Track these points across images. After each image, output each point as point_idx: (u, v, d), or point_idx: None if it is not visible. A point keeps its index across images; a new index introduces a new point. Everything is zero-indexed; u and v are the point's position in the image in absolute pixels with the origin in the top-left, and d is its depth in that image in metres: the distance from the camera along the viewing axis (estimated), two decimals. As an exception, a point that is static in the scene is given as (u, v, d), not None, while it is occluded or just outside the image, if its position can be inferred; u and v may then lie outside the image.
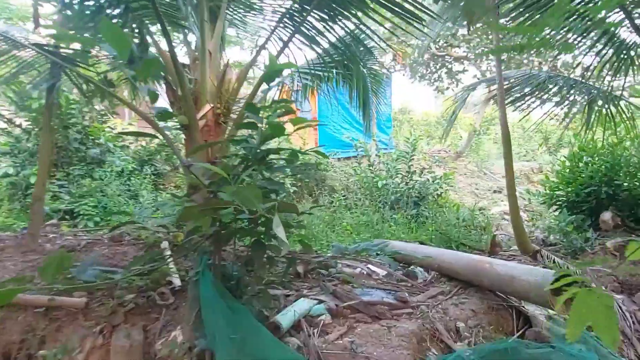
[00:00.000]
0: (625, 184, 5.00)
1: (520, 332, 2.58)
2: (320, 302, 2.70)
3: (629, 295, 2.93)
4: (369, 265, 3.83)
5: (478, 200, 9.13)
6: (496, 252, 5.07)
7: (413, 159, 7.72)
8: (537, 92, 4.57)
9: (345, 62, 4.10)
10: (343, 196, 7.58)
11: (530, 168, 13.26)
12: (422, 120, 35.73)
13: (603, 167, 5.27)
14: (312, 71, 4.37)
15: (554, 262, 3.52)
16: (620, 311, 2.74)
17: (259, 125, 1.78)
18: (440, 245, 5.29)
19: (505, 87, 4.74)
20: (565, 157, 6.21)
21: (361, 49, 4.53)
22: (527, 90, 4.65)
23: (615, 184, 5.08)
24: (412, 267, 3.43)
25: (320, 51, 4.01)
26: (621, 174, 5.10)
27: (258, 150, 1.85)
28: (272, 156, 2.12)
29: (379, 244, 2.14)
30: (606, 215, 4.92)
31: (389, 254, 2.08)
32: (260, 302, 2.17)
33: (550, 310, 2.48)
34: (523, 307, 2.71)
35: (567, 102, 4.47)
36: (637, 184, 4.92)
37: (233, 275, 2.02)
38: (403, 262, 4.02)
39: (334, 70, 4.72)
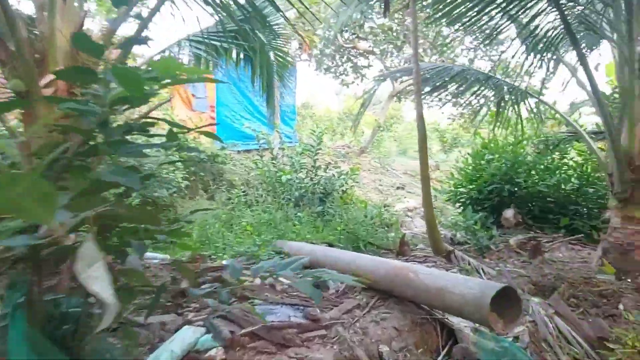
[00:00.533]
0: (524, 182, 5.19)
1: (446, 349, 2.29)
2: (210, 330, 2.11)
3: (543, 297, 2.83)
4: (273, 274, 3.32)
5: (382, 197, 9.18)
6: (405, 251, 4.92)
7: (319, 153, 7.39)
8: (449, 86, 4.46)
9: (247, 30, 3.50)
10: (243, 192, 6.95)
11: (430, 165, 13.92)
12: (324, 116, 36.28)
13: (504, 165, 5.44)
14: (207, 40, 3.69)
15: (468, 264, 3.38)
16: (539, 316, 2.62)
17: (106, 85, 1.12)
18: (348, 245, 4.99)
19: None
20: (469, 154, 6.37)
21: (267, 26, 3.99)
22: (438, 84, 4.52)
23: (515, 182, 5.26)
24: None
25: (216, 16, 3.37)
26: (521, 172, 5.29)
27: (108, 125, 1.20)
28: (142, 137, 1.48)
29: (291, 261, 1.61)
30: (508, 213, 5.06)
31: (308, 276, 1.56)
32: (120, 344, 1.51)
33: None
34: (447, 319, 2.43)
35: (477, 98, 4.43)
36: (534, 182, 5.13)
37: (69, 313, 1.34)
38: (310, 266, 3.59)
39: (234, 46, 4.08)
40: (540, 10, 3.09)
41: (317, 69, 11.74)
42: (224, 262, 3.59)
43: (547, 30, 3.19)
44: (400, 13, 9.26)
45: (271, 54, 4.61)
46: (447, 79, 4.39)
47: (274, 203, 6.51)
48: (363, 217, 6.33)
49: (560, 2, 2.60)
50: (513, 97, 4.17)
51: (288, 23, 4.26)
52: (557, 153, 5.81)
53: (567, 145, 5.97)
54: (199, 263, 3.18)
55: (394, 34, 9.87)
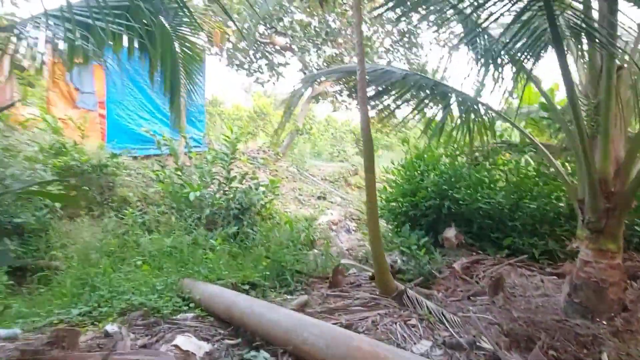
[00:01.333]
0: (463, 198, 4.93)
1: None
2: None
3: (521, 351, 2.41)
4: (177, 342, 2.50)
5: (303, 208, 8.59)
6: (339, 282, 4.35)
7: (233, 161, 6.55)
8: (391, 91, 3.97)
9: (142, 9, 2.63)
10: (140, 211, 5.86)
11: (346, 170, 13.69)
12: (234, 114, 34.99)
13: (442, 179, 5.14)
14: (83, 17, 2.73)
15: (427, 309, 2.87)
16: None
17: None
18: (273, 277, 4.28)
19: (355, 82, 4.02)
20: (402, 166, 6.02)
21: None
22: (380, 88, 4.01)
23: (454, 198, 4.98)
24: (252, 352, 2.24)
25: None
26: (459, 187, 5.03)
27: None
28: None
29: None
30: (450, 233, 4.75)
31: None
32: None
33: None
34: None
35: (421, 104, 4.00)
36: (475, 197, 4.88)
37: None
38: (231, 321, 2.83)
39: (125, 30, 3.14)
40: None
41: (228, 64, 10.79)
42: (107, 327, 2.66)
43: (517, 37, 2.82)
44: (341, 7, 8.77)
45: (176, 45, 3.72)
46: (387, 83, 3.89)
47: (179, 224, 5.54)
48: (288, 240, 5.67)
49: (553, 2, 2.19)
50: (462, 107, 3.79)
51: (182, 7, 3.42)
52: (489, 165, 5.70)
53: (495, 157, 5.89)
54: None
55: (315, 30, 9.34)
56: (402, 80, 3.82)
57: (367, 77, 3.84)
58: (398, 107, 4.04)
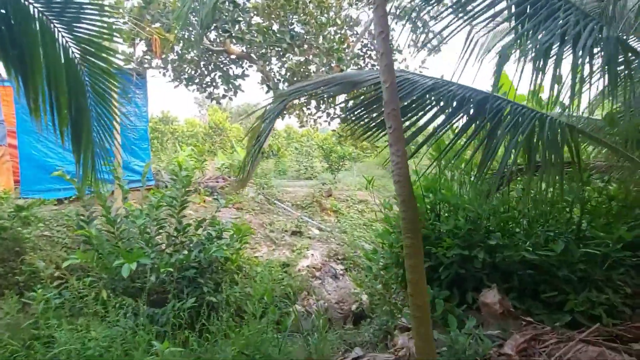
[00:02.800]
0: (501, 244, 3.77)
1: None
2: None
3: None
4: None
5: (277, 249, 7.25)
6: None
7: (188, 201, 5.14)
8: (421, 107, 2.77)
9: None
10: (58, 285, 4.37)
11: (318, 191, 12.45)
12: (188, 131, 33.20)
13: (466, 219, 3.97)
14: None
15: None
16: None
17: None
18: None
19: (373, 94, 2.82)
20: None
21: None
22: (406, 102, 2.79)
23: (487, 245, 3.81)
24: None
25: None
26: (493, 230, 3.88)
27: None
28: None
29: None
30: (491, 297, 3.56)
31: None
32: None
33: None
34: None
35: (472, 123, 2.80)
36: (515, 243, 3.74)
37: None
38: None
39: None
40: None
41: (175, 79, 9.33)
42: None
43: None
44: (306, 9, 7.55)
45: (73, 52, 2.37)
46: (414, 96, 2.69)
47: (115, 302, 4.09)
48: (266, 305, 4.37)
49: None
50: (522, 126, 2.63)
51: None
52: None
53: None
54: None
55: (276, 35, 8.10)
56: (431, 91, 2.62)
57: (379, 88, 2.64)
58: (438, 131, 2.82)
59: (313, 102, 12.30)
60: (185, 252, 4.93)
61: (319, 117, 12.32)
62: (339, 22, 8.44)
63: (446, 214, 4.27)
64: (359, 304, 6.07)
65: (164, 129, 29.03)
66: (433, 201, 4.47)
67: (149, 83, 9.14)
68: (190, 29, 8.71)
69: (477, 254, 3.88)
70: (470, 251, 3.89)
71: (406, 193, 2.03)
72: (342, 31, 10.01)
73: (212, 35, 9.05)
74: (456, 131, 2.95)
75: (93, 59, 2.69)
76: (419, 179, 4.45)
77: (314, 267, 6.61)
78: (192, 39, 8.25)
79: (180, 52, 8.63)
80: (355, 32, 10.36)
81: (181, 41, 8.38)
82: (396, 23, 11.22)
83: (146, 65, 7.76)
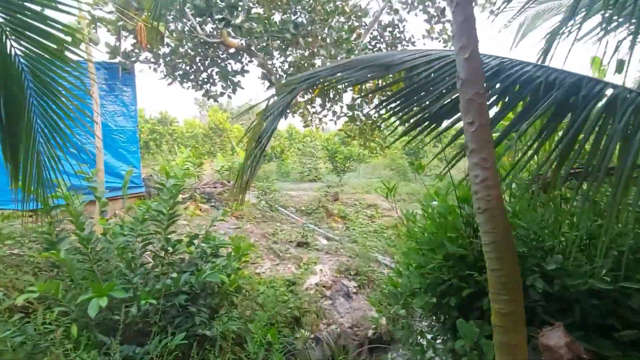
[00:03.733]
0: (561, 269, 3.06)
1: None
2: None
3: None
4: None
5: (281, 263, 6.55)
6: None
7: (177, 214, 4.44)
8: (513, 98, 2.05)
9: None
10: (20, 320, 3.68)
11: (324, 195, 11.75)
12: (187, 132, 32.56)
13: (519, 236, 3.28)
14: None
15: None
16: None
17: None
18: None
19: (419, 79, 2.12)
20: (426, 214, 4.10)
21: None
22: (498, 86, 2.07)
23: (544, 272, 3.10)
24: None
25: None
26: (552, 250, 3.17)
27: None
28: None
29: None
30: (555, 339, 2.83)
31: None
32: None
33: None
34: None
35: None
36: (579, 269, 3.02)
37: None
38: None
39: None
40: None
41: (167, 76, 8.64)
42: None
43: None
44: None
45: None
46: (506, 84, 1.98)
47: (86, 337, 3.42)
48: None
49: None
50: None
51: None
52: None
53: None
54: None
55: (277, 26, 7.39)
56: (497, 75, 1.91)
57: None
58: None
59: (318, 100, 11.60)
60: (175, 274, 4.26)
61: (325, 116, 11.62)
62: (347, 10, 7.72)
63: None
64: (376, 328, 5.38)
65: (163, 130, 28.36)
66: (470, 213, 3.76)
67: (143, 81, 8.45)
68: (185, 20, 8.03)
69: (533, 282, 3.17)
70: (524, 278, 3.18)
71: (500, 229, 1.32)
72: (350, 22, 9.31)
73: (209, 27, 8.36)
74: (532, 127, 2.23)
75: (34, 37, 1.99)
76: (455, 189, 3.75)
77: (323, 285, 5.91)
78: (186, 30, 7.56)
79: (172, 44, 7.93)
80: (363, 23, 9.66)
81: (174, 33, 7.68)
82: (408, 12, 10.53)
83: (134, 59, 7.09)
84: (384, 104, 2.25)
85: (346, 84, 2.33)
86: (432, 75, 2.08)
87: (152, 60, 8.02)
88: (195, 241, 4.69)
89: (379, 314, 5.20)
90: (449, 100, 2.02)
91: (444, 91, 2.05)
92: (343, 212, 10.76)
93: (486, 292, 3.38)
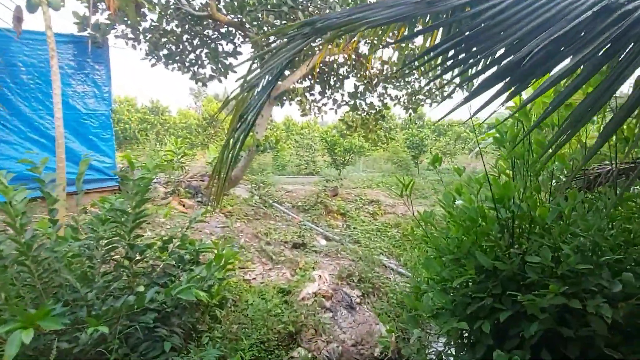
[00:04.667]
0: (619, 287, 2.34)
1: None
2: None
3: None
4: None
5: (274, 268, 5.80)
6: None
7: (144, 214, 3.65)
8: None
9: None
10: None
11: (322, 189, 10.99)
12: (181, 122, 31.64)
13: (577, 248, 2.54)
14: None
15: None
16: None
17: None
18: None
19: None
20: (450, 220, 3.34)
21: None
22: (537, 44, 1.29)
23: (608, 293, 2.38)
24: None
25: None
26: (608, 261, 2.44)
27: None
28: None
29: None
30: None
31: None
32: None
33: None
34: None
35: None
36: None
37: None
38: None
39: None
40: None
41: (150, 55, 7.81)
42: None
43: None
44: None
45: None
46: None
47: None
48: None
49: None
50: None
51: None
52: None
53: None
54: None
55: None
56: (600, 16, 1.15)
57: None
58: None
59: (317, 87, 10.81)
60: (142, 287, 3.51)
61: (324, 105, 10.83)
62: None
63: (531, 239, 2.81)
64: (386, 348, 4.65)
65: (154, 120, 27.47)
66: (508, 217, 3.01)
67: (134, 67, 7.61)
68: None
69: (598, 309, 2.42)
70: (582, 301, 2.44)
71: None
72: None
73: (197, 2, 7.53)
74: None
75: None
76: (488, 184, 3.00)
77: (322, 295, 5.16)
78: (171, 2, 6.73)
79: (154, 19, 7.09)
80: None
81: (156, 6, 6.85)
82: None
83: (106, 32, 6.23)
84: (432, 53, 1.46)
85: (367, 27, 1.55)
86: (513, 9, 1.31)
87: (131, 36, 7.18)
88: (170, 245, 3.94)
89: (389, 333, 4.47)
90: (540, 47, 1.25)
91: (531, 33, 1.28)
92: (343, 208, 10.01)
93: (528, 315, 2.67)
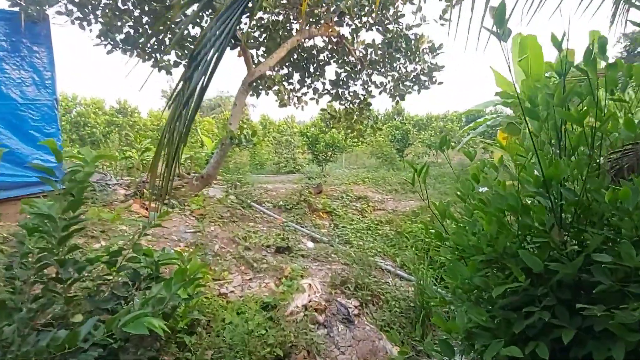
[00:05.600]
0: None
1: None
2: None
3: None
4: None
5: (255, 278, 5.02)
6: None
7: (77, 222, 2.82)
8: None
9: None
10: None
11: (305, 187, 10.24)
12: (152, 124, 30.45)
13: None
14: None
15: None
16: None
17: None
18: None
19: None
20: (470, 198, 2.67)
21: None
22: None
23: None
24: None
25: None
26: None
27: None
28: None
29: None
30: None
31: None
32: None
33: None
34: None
35: None
36: None
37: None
38: None
39: None
40: None
41: (101, 38, 6.83)
42: None
43: None
44: None
45: None
46: None
47: None
48: None
49: None
50: None
51: None
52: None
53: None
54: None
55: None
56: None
57: None
58: None
59: (296, 75, 10.04)
60: (80, 316, 2.72)
61: (305, 94, 10.07)
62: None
63: (590, 231, 2.11)
64: (393, 370, 3.92)
65: (122, 122, 26.16)
66: (557, 204, 2.30)
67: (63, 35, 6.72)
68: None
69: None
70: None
71: None
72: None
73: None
74: None
75: None
76: (540, 165, 2.28)
77: (314, 308, 4.40)
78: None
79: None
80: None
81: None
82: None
83: (44, 6, 5.31)
84: None
85: None
86: None
87: (79, 15, 6.26)
88: (120, 258, 3.12)
89: (401, 356, 3.74)
90: None
91: None
92: (329, 206, 9.27)
93: (594, 334, 2.03)
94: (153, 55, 7.75)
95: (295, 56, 9.71)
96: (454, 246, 2.70)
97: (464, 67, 21.84)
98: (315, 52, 9.70)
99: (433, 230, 2.84)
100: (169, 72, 7.66)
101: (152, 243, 5.01)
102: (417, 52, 9.64)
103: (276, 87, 9.46)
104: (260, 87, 9.24)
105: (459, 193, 2.83)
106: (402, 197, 11.65)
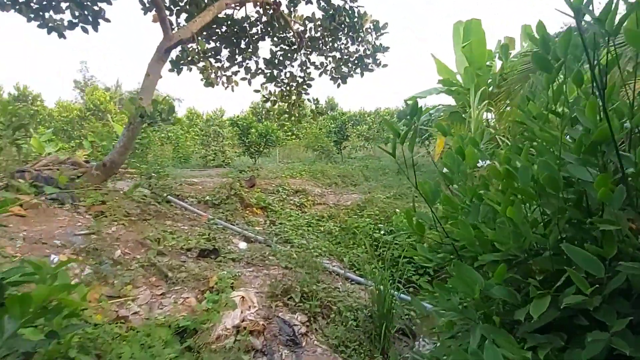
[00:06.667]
0: None
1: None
2: None
3: None
4: None
5: (171, 290, 3.90)
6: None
7: None
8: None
9: None
10: None
11: (236, 179, 9.14)
12: (61, 116, 27.51)
13: None
14: None
15: None
16: None
17: None
18: None
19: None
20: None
21: None
22: None
23: None
24: None
25: None
26: None
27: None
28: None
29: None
30: None
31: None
32: None
33: None
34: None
35: None
36: None
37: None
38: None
39: None
40: None
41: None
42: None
43: None
44: None
45: None
46: None
47: None
48: None
49: None
50: None
51: None
52: None
53: None
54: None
55: None
56: None
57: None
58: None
59: (225, 52, 8.90)
60: None
61: (235, 73, 8.95)
62: None
63: None
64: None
65: (22, 111, 23.08)
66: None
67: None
68: None
69: None
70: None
71: None
72: None
73: None
74: None
75: None
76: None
77: (250, 330, 3.40)
78: None
79: None
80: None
81: None
82: None
83: None
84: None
85: None
86: None
87: None
88: None
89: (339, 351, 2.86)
90: None
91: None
92: (263, 201, 8.25)
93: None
94: (43, 13, 6.28)
95: (224, 29, 8.57)
96: (451, 242, 1.91)
97: (391, 63, 21.73)
98: (247, 25, 8.62)
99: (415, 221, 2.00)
100: (61, 35, 6.23)
101: (24, 251, 3.73)
102: (361, 31, 8.89)
103: (202, 64, 8.25)
104: (182, 62, 7.98)
105: (445, 171, 2.04)
106: (343, 191, 10.92)
